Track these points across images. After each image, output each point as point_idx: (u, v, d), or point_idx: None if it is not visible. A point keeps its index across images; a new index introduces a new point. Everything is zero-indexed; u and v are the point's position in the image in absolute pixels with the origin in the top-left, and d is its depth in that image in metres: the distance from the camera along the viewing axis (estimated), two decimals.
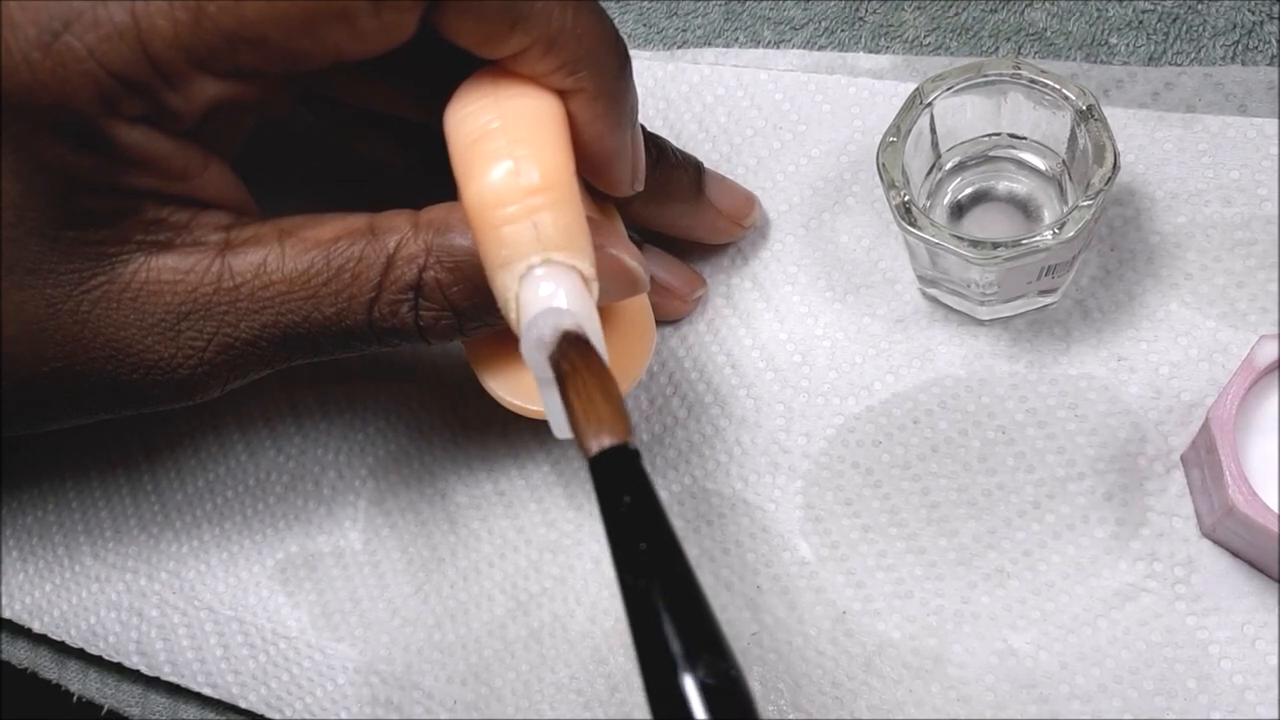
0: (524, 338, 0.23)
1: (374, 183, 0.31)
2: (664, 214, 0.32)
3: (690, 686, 0.19)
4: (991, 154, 0.30)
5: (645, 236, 0.34)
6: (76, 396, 0.27)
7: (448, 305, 0.26)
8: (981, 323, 0.31)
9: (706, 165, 0.33)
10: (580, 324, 0.23)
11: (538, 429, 0.34)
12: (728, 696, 0.19)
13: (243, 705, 0.35)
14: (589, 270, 0.24)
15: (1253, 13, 0.32)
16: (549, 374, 0.23)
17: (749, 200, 0.33)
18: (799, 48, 0.35)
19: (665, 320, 0.34)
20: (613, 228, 0.27)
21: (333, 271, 0.26)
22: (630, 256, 0.26)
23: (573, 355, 0.22)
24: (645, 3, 0.38)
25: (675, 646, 0.19)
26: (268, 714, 0.34)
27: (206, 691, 0.35)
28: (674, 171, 0.31)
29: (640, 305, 0.30)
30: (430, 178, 0.30)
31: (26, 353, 0.26)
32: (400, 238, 0.26)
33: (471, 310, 0.26)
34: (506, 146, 0.23)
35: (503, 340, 0.28)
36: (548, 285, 0.23)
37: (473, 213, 0.23)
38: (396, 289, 0.26)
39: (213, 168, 0.26)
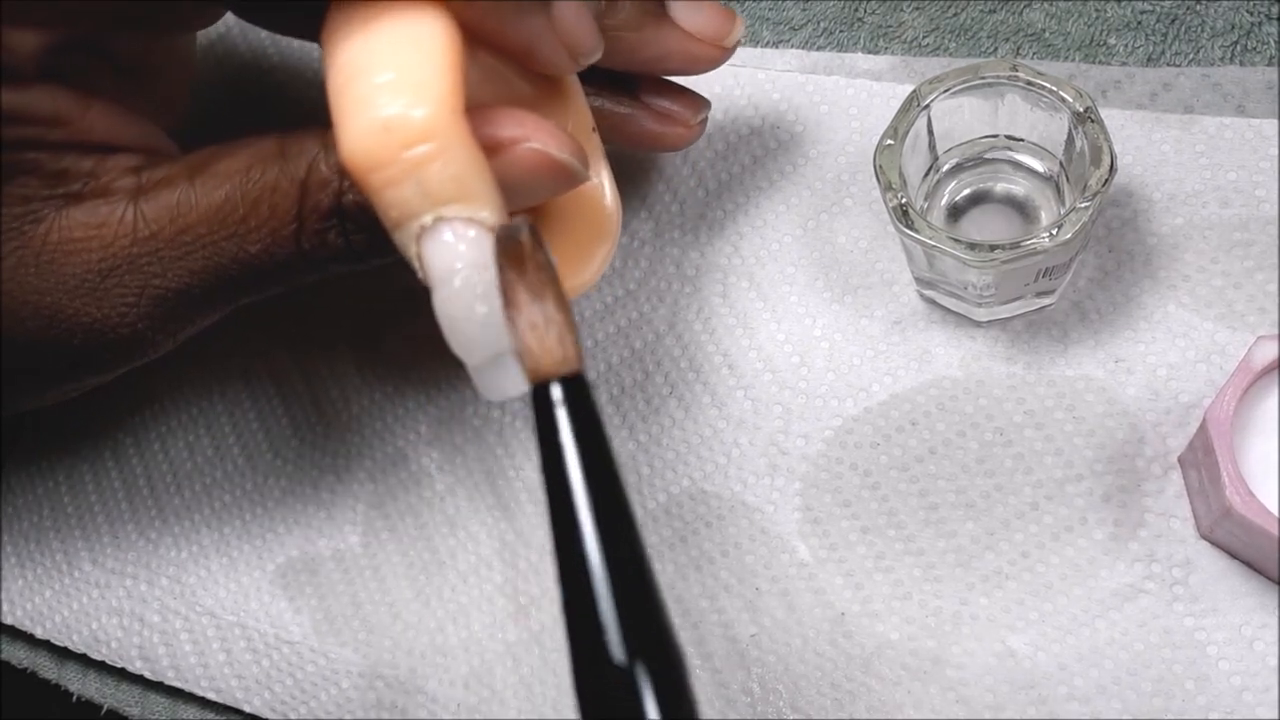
0: (434, 298, 0.21)
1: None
2: (622, 48, 0.27)
3: (632, 683, 0.17)
4: (989, 156, 0.30)
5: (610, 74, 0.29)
6: (28, 371, 0.26)
7: (377, 227, 0.23)
8: (979, 324, 0.31)
9: (702, 165, 0.32)
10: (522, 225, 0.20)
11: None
12: (672, 694, 0.17)
13: (247, 710, 0.35)
14: (490, 217, 0.22)
15: (1251, 14, 0.31)
16: (474, 359, 0.21)
17: (728, 16, 0.28)
18: (797, 48, 0.35)
19: (671, 149, 0.31)
20: (531, 117, 0.23)
21: (249, 205, 0.24)
22: (559, 147, 0.23)
23: (524, 256, 0.20)
24: None
25: (616, 640, 0.17)
26: (272, 718, 0.35)
27: (210, 696, 0.35)
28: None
29: (592, 195, 0.27)
30: None
31: None
32: (310, 160, 0.24)
33: None
34: (374, 91, 0.21)
35: None
36: (448, 238, 0.21)
37: (351, 174, 0.21)
38: (318, 217, 0.24)
39: (97, 108, 0.25)
